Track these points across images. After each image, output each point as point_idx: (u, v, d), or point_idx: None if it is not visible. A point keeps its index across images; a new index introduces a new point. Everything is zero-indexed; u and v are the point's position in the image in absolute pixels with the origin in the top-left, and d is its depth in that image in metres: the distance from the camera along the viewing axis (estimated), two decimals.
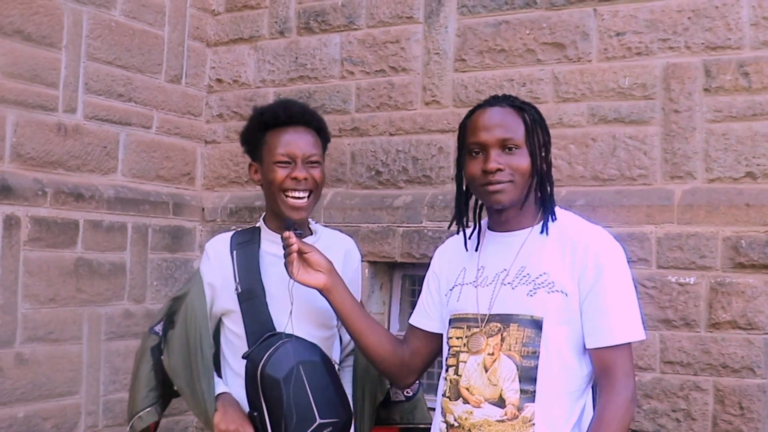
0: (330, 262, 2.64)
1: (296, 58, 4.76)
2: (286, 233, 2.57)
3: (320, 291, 2.62)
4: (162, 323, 2.84)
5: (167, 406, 2.91)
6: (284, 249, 2.59)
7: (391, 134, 4.46)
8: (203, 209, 4.93)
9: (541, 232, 2.42)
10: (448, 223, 4.03)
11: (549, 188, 2.48)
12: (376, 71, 4.51)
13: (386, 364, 2.67)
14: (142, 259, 4.52)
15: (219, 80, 4.99)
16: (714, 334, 3.61)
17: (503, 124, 2.42)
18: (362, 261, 4.23)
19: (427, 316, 2.64)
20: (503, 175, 2.38)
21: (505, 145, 2.40)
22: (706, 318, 3.62)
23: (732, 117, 3.68)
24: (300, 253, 2.58)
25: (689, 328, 3.65)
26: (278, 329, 2.67)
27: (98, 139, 4.34)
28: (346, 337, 2.94)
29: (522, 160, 2.39)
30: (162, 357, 2.78)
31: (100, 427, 4.26)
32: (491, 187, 2.40)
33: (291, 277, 2.58)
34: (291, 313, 2.64)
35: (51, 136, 4.10)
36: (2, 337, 3.83)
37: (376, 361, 2.67)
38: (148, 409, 2.80)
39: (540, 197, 2.47)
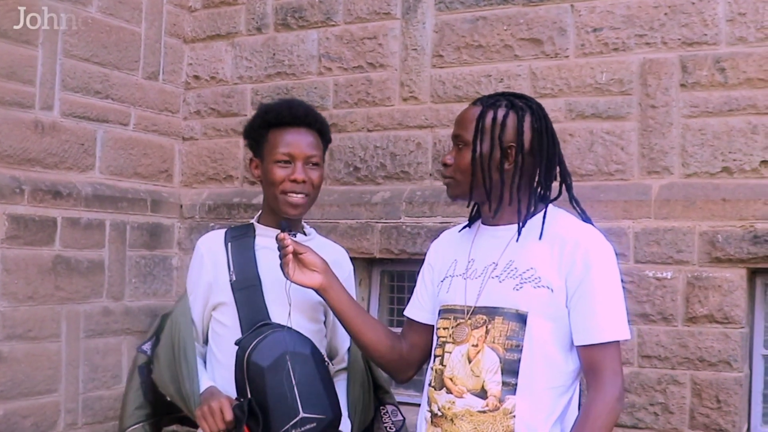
0: (325, 262, 2.65)
1: (274, 54, 4.75)
2: (281, 234, 2.59)
3: (317, 291, 2.63)
4: (150, 342, 2.86)
5: (161, 426, 2.92)
6: (279, 251, 2.60)
7: (369, 130, 4.47)
8: (181, 206, 4.92)
9: (519, 229, 2.44)
10: (427, 218, 4.13)
11: (539, 186, 2.50)
12: (354, 67, 4.52)
13: (385, 360, 2.69)
14: (121, 257, 4.51)
15: (196, 77, 4.98)
16: (691, 328, 3.65)
17: (461, 121, 2.51)
18: None
19: (421, 307, 2.66)
20: (449, 170, 2.49)
21: (457, 142, 2.49)
22: (683, 312, 3.66)
23: (708, 112, 3.72)
24: (295, 253, 2.59)
25: (666, 323, 3.69)
26: (273, 320, 2.68)
27: (75, 137, 4.32)
28: (337, 351, 2.97)
29: (464, 158, 2.46)
30: (152, 374, 2.80)
31: (79, 425, 4.25)
32: (443, 180, 2.54)
33: (287, 278, 2.60)
34: (290, 315, 2.65)
35: (28, 134, 4.08)
36: None
37: (375, 356, 2.69)
38: (135, 426, 2.82)
39: (530, 194, 2.49)
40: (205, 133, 4.93)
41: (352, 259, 4.33)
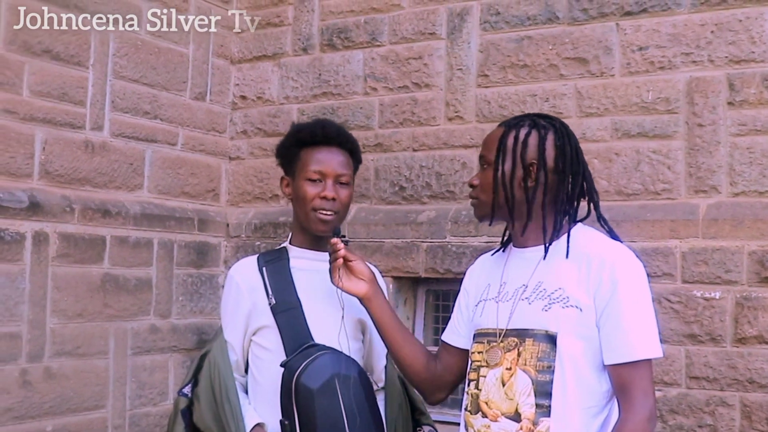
0: (372, 272, 2.69)
1: (319, 74, 4.79)
2: (334, 239, 2.63)
3: (361, 300, 2.66)
4: (190, 384, 2.88)
5: None
6: (330, 255, 2.63)
7: (414, 150, 4.48)
8: (228, 225, 4.96)
9: (545, 251, 2.44)
10: (472, 238, 4.12)
11: (566, 205, 2.50)
12: (399, 87, 4.54)
13: (419, 378, 2.70)
14: (168, 275, 4.55)
15: (243, 97, 5.03)
16: (740, 349, 3.60)
17: (485, 143, 2.55)
18: (386, 276, 4.30)
19: (457, 332, 2.67)
20: (474, 191, 2.53)
21: (482, 163, 2.54)
22: (732, 333, 3.61)
23: (756, 130, 3.67)
24: (345, 260, 2.63)
25: (715, 343, 3.64)
26: (316, 340, 2.70)
27: (125, 156, 4.38)
28: (372, 369, 2.97)
29: (486, 178, 2.48)
30: (193, 416, 2.82)
31: None
32: (471, 201, 2.58)
33: (334, 284, 2.62)
34: (343, 318, 2.68)
35: (78, 154, 4.15)
36: (31, 352, 3.87)
37: (409, 373, 2.70)
38: None
39: (556, 213, 2.48)
40: (252, 152, 4.97)
41: (396, 278, 4.40)
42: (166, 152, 4.64)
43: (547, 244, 2.43)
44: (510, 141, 2.46)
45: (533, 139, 2.46)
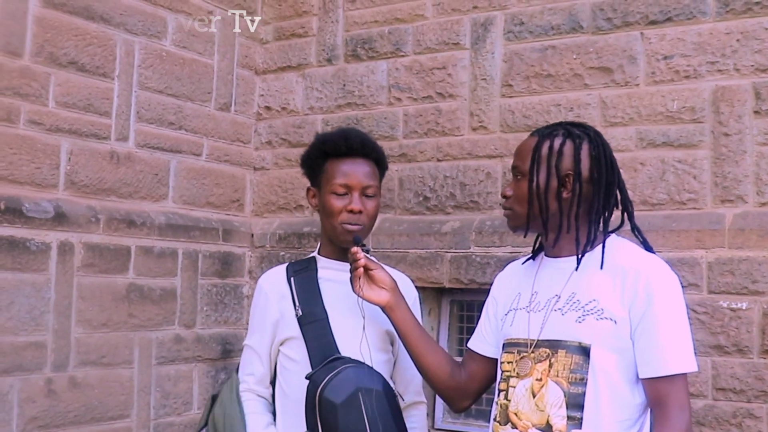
0: (394, 281, 2.67)
1: (344, 85, 4.80)
2: (354, 248, 2.61)
3: (383, 308, 2.64)
4: (205, 428, 2.91)
5: None
6: (351, 264, 2.62)
7: (438, 160, 4.48)
8: (252, 235, 4.97)
9: (578, 262, 2.42)
10: (496, 248, 4.10)
11: (601, 216, 2.48)
12: (423, 97, 4.54)
13: (443, 386, 2.69)
14: (193, 285, 4.57)
15: (268, 108, 5.05)
16: (767, 361, 3.56)
17: (519, 152, 2.52)
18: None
19: (484, 340, 2.65)
20: (508, 201, 2.52)
21: (515, 173, 2.51)
22: (759, 344, 3.57)
23: None
24: (366, 269, 2.61)
25: (742, 355, 3.60)
26: (342, 352, 2.69)
27: (149, 167, 4.41)
28: (410, 383, 2.96)
29: (521, 188, 2.47)
30: None
31: None
32: (504, 212, 2.56)
33: (355, 293, 2.61)
34: (364, 328, 2.67)
35: (104, 164, 4.17)
36: (56, 361, 3.89)
37: (433, 381, 2.69)
38: None
39: (590, 224, 2.46)
40: (276, 163, 4.99)
41: (421, 288, 4.38)
42: (191, 163, 4.65)
43: (580, 255, 2.41)
44: (544, 151, 2.43)
45: (568, 149, 2.43)
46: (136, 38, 4.33)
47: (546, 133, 2.49)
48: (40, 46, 3.90)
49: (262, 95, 5.07)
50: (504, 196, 2.53)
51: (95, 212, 4.08)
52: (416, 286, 4.28)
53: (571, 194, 2.42)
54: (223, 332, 4.71)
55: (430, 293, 4.47)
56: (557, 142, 2.44)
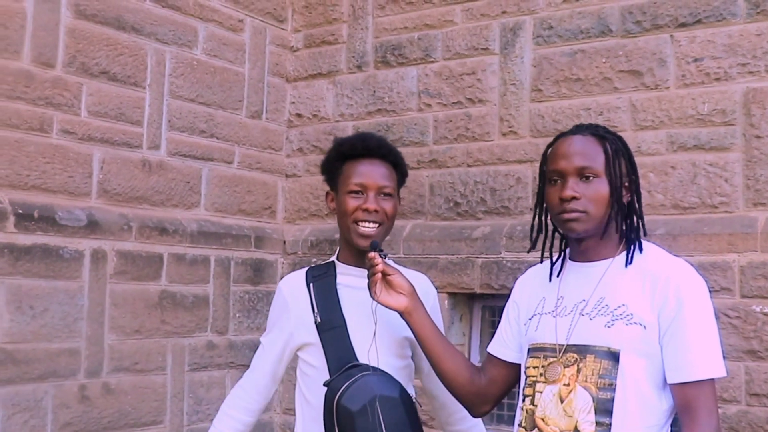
0: (412, 286, 2.64)
1: (374, 91, 4.81)
2: (371, 254, 2.58)
3: (401, 314, 2.63)
4: None
5: None
6: (368, 269, 2.60)
7: (468, 165, 4.48)
8: (284, 242, 5.00)
9: (627, 264, 2.39)
10: (527, 253, 4.08)
11: (637, 219, 2.45)
12: (453, 103, 4.54)
13: (463, 391, 2.66)
14: (225, 292, 4.60)
15: (299, 115, 5.07)
16: None
17: (583, 152, 2.40)
18: (441, 293, 4.29)
19: (505, 345, 2.62)
20: (578, 203, 2.36)
21: (583, 174, 2.38)
22: None
23: None
24: (383, 274, 2.59)
25: None
26: (360, 360, 2.69)
27: (181, 175, 4.45)
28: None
29: (599, 190, 2.37)
30: None
31: None
32: (566, 215, 2.38)
33: (373, 298, 2.60)
34: (375, 334, 2.66)
35: (136, 172, 4.22)
36: (90, 368, 3.94)
37: (452, 386, 2.67)
38: None
39: (625, 228, 2.44)
40: (308, 170, 5.01)
41: (452, 294, 4.39)
42: (223, 170, 4.69)
43: (628, 260, 2.39)
44: (611, 151, 2.41)
45: (624, 152, 2.43)
46: (167, 47, 4.37)
47: (598, 133, 2.45)
48: (72, 56, 3.95)
49: (293, 102, 5.10)
50: (569, 198, 2.37)
51: (128, 220, 4.12)
52: (447, 292, 4.34)
53: (631, 196, 2.42)
54: (255, 339, 4.70)
55: (461, 299, 4.47)
56: (615, 145, 2.41)
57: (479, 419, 2.93)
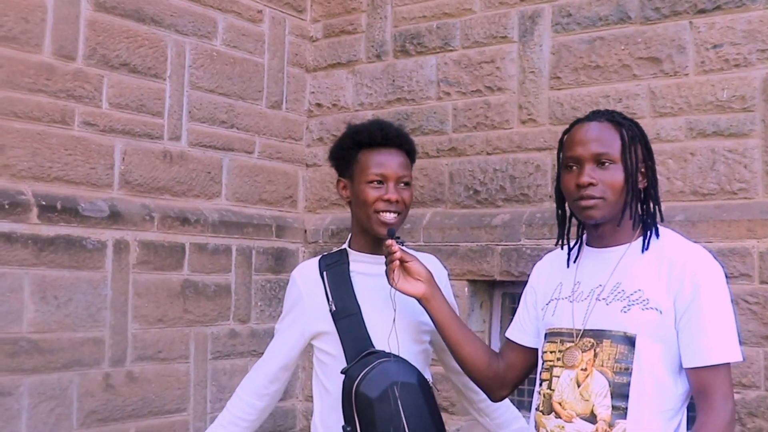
0: (429, 272, 2.65)
1: (393, 80, 4.82)
2: (389, 241, 2.59)
3: (419, 300, 2.64)
4: None
5: None
6: (386, 257, 2.62)
7: (488, 153, 4.48)
8: (305, 231, 5.03)
9: (643, 249, 2.40)
10: (547, 240, 4.10)
11: (654, 205, 2.46)
12: (472, 91, 4.55)
13: (481, 376, 2.68)
14: (247, 281, 4.64)
15: (318, 105, 5.10)
16: None
17: (599, 138, 2.40)
18: (461, 280, 4.32)
19: (523, 330, 2.64)
20: (595, 190, 2.36)
21: (599, 160, 2.38)
22: None
23: None
24: (401, 261, 2.61)
25: None
26: (377, 346, 2.70)
27: (202, 165, 4.48)
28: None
29: (615, 176, 2.37)
30: None
31: None
32: (583, 202, 2.38)
33: (391, 285, 2.61)
34: (394, 320, 2.67)
35: (157, 163, 4.26)
36: (114, 356, 3.99)
37: (471, 371, 2.68)
38: None
39: (642, 214, 2.45)
40: (328, 159, 5.01)
41: (472, 281, 4.40)
42: (244, 160, 4.72)
43: (644, 246, 2.40)
44: (627, 138, 2.41)
45: (640, 138, 2.43)
46: (187, 39, 4.40)
47: (615, 120, 2.45)
48: (92, 48, 3.99)
49: (313, 92, 5.12)
50: (586, 185, 2.37)
51: (149, 210, 4.16)
52: (467, 279, 4.36)
53: (647, 182, 2.43)
54: None
55: (482, 286, 4.49)
56: (632, 131, 2.42)
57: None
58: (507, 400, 2.99)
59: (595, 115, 2.50)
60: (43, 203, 3.75)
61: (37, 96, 3.80)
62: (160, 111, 4.28)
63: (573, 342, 2.39)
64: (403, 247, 2.65)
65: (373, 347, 2.68)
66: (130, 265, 4.06)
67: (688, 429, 2.36)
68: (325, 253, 2.93)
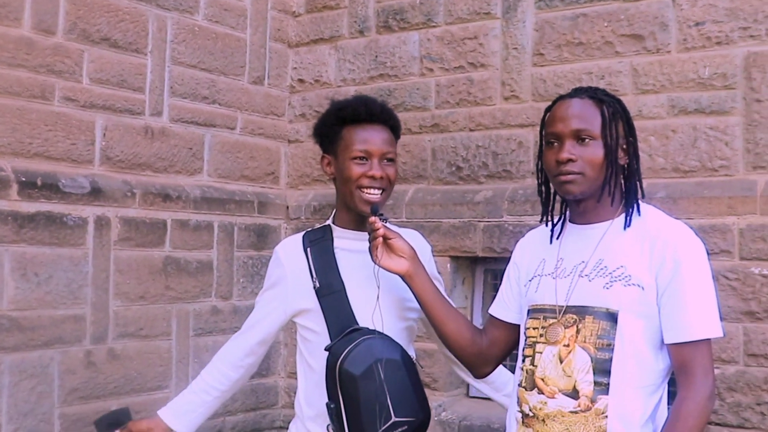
0: (413, 249, 2.66)
1: (376, 56, 4.81)
2: (372, 218, 2.60)
3: (402, 277, 2.65)
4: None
5: None
6: (369, 234, 2.62)
7: (470, 130, 4.48)
8: (287, 207, 5.02)
9: (625, 226, 2.41)
10: (529, 217, 4.11)
11: (635, 182, 2.47)
12: (455, 68, 4.54)
13: (464, 353, 2.69)
14: (229, 257, 4.63)
15: (301, 80, 5.08)
16: None
17: (580, 115, 2.41)
18: (444, 256, 4.32)
19: (506, 306, 2.65)
20: (574, 165, 2.38)
21: (579, 136, 2.39)
22: None
23: None
24: (384, 238, 2.61)
25: None
26: (361, 323, 2.71)
27: (184, 141, 4.46)
28: None
29: (595, 152, 2.39)
30: None
31: None
32: (562, 177, 2.40)
33: (375, 262, 2.61)
34: (378, 297, 2.66)
35: (138, 139, 4.23)
36: (95, 334, 3.98)
37: (454, 348, 2.69)
38: None
39: (624, 190, 2.46)
40: (310, 135, 4.96)
41: (454, 258, 4.41)
42: (225, 136, 4.70)
43: (626, 222, 2.41)
44: (608, 115, 2.41)
45: (622, 114, 2.44)
46: (168, 14, 4.37)
47: (596, 96, 2.46)
48: (72, 23, 3.95)
49: (295, 68, 5.10)
50: (565, 161, 2.39)
51: (131, 187, 4.14)
52: (449, 256, 4.37)
53: (629, 158, 2.43)
54: None
55: (464, 262, 4.50)
56: (612, 108, 2.42)
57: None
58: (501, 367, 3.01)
59: (577, 92, 2.51)
60: (23, 179, 3.72)
61: (17, 71, 3.76)
62: (141, 86, 4.24)
63: (556, 318, 2.41)
64: (387, 224, 2.64)
65: (357, 324, 2.69)
66: (112, 242, 4.04)
67: (668, 404, 2.38)
68: (309, 229, 2.92)
